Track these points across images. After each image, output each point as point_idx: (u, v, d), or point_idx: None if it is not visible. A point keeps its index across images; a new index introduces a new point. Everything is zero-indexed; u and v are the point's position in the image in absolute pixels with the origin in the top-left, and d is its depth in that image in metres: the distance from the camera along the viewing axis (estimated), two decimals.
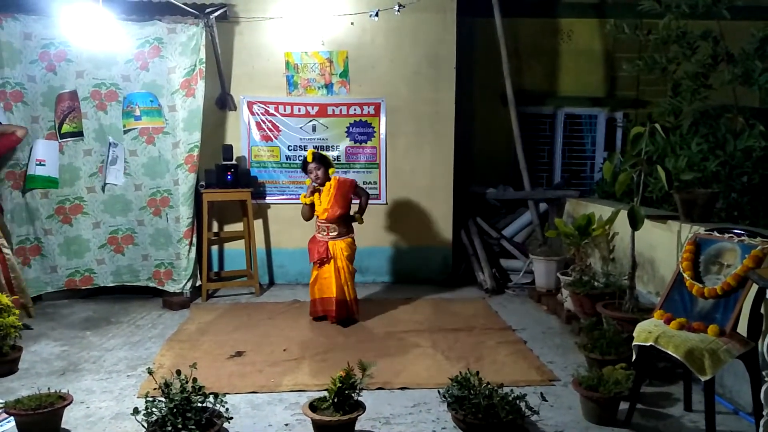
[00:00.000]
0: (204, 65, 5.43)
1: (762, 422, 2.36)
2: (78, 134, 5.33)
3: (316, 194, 4.78)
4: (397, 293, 5.88)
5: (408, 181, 6.22)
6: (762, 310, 2.80)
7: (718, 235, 3.09)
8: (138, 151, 5.41)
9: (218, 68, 5.80)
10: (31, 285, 5.32)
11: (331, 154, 6.14)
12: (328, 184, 4.76)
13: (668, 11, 4.89)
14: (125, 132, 5.37)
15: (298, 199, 6.18)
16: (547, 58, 7.14)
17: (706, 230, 3.21)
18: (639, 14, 5.18)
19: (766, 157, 4.41)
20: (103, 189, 5.38)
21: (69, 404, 3.04)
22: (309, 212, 4.86)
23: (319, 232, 4.83)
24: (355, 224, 4.93)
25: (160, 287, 5.50)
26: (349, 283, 4.76)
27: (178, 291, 5.44)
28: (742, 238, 2.95)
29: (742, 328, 2.81)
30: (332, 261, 4.71)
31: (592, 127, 7.34)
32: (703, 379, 2.69)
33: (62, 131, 5.29)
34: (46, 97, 5.24)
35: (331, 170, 4.81)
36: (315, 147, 6.13)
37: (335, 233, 4.75)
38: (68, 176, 5.36)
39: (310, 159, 4.74)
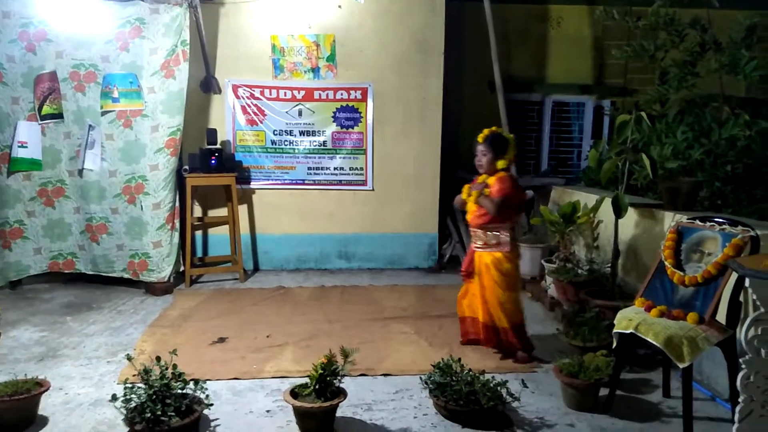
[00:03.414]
0: (187, 47, 5.32)
1: (738, 409, 2.38)
2: (58, 116, 5.22)
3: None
4: (382, 279, 5.88)
5: (395, 167, 6.19)
6: (741, 299, 2.83)
7: (699, 223, 3.09)
8: (114, 135, 5.25)
9: (202, 50, 5.71)
10: (12, 269, 5.26)
11: (317, 139, 6.10)
12: (489, 178, 3.73)
13: None
14: (102, 114, 5.22)
15: (283, 184, 6.16)
16: (535, 45, 7.11)
17: (688, 218, 3.21)
18: (628, 1, 5.16)
19: (749, 146, 4.43)
20: (80, 174, 5.27)
21: (46, 390, 3.00)
22: (463, 206, 3.89)
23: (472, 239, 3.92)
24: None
25: (134, 278, 5.33)
26: (497, 307, 3.72)
27: (154, 281, 5.29)
28: (724, 226, 2.96)
29: (722, 316, 2.84)
30: (477, 277, 3.82)
31: (579, 114, 7.34)
32: (681, 366, 2.70)
33: (42, 113, 5.19)
34: (26, 78, 5.13)
35: (500, 162, 3.71)
36: (301, 132, 6.09)
37: (481, 243, 3.77)
38: (50, 159, 5.26)
39: (480, 139, 3.73)
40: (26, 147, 5.19)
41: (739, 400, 2.38)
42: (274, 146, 6.09)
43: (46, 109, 5.19)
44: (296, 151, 6.10)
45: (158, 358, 2.83)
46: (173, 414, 2.67)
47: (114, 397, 2.71)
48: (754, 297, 2.34)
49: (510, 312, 3.71)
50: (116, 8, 5.18)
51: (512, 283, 3.75)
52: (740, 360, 2.39)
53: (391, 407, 3.16)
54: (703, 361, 3.31)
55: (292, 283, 5.68)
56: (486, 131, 3.77)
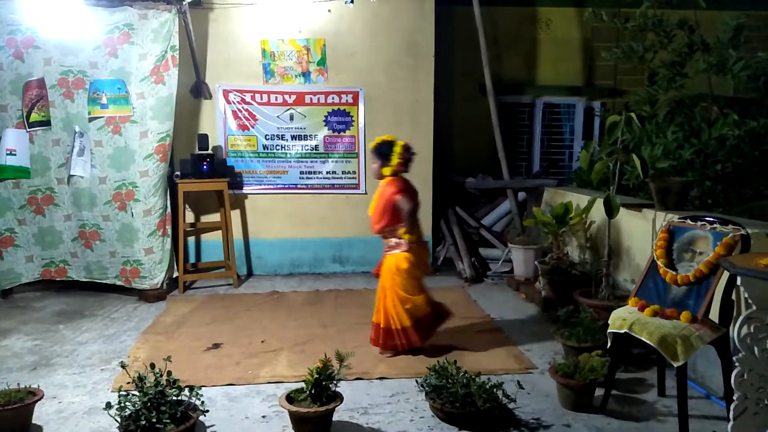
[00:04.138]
0: (177, 52, 5.30)
1: (732, 406, 2.40)
2: (46, 123, 5.19)
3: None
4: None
5: None
6: (733, 297, 2.85)
7: (690, 222, 3.12)
8: (104, 142, 5.21)
9: (192, 56, 5.68)
10: (4, 277, 5.21)
11: (309, 143, 6.09)
12: (381, 182, 3.87)
13: None
14: (90, 120, 5.18)
15: (276, 189, 6.14)
16: (525, 47, 7.15)
17: (679, 218, 3.24)
18: (617, 3, 5.20)
19: (739, 145, 4.47)
20: (68, 181, 5.22)
21: (39, 399, 2.97)
22: None
23: None
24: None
25: (127, 286, 5.29)
26: (394, 308, 3.83)
27: (146, 288, 5.25)
28: (714, 225, 2.98)
29: (714, 315, 2.86)
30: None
31: (570, 116, 7.38)
32: (675, 364, 2.72)
33: (30, 120, 5.15)
34: (14, 85, 5.10)
35: (385, 169, 3.82)
36: (293, 136, 6.07)
37: (386, 247, 3.93)
38: (39, 166, 5.22)
39: (371, 146, 3.90)
40: (15, 155, 5.16)
41: (734, 397, 2.40)
42: (266, 151, 6.08)
43: (34, 117, 5.16)
44: (288, 155, 6.09)
45: (152, 365, 2.82)
46: (168, 421, 2.65)
47: (108, 405, 2.68)
48: (746, 295, 2.36)
49: (409, 313, 3.80)
50: (104, 14, 5.16)
51: (409, 285, 3.82)
52: (734, 358, 2.41)
53: (388, 411, 3.16)
54: (697, 359, 3.33)
55: (286, 288, 5.66)
56: (378, 139, 3.89)
